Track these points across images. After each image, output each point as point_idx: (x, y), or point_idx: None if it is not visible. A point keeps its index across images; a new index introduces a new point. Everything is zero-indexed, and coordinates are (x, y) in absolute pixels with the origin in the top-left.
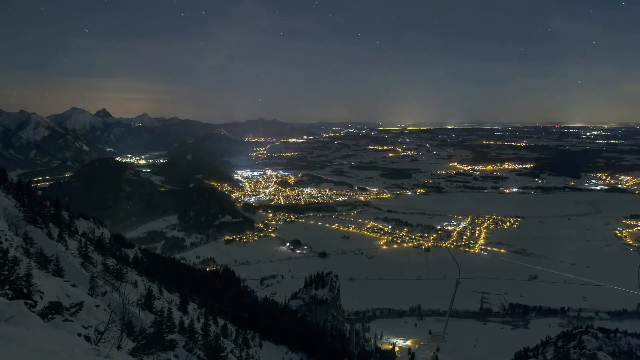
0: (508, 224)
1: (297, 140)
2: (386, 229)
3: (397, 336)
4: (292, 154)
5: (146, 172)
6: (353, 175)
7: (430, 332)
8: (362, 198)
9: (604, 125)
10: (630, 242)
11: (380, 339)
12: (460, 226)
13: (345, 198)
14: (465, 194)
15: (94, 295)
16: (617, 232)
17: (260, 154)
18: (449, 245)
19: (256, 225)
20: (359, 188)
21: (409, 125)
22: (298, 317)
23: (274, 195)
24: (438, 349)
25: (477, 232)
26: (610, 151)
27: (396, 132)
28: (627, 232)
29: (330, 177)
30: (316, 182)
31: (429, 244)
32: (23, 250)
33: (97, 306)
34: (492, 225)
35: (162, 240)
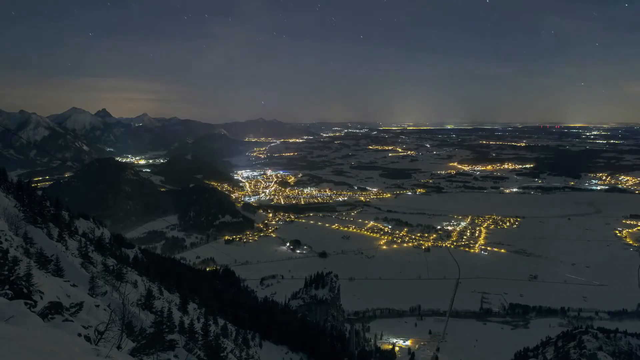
0: (508, 224)
1: (297, 140)
2: (386, 229)
3: (397, 336)
4: (292, 154)
5: (146, 172)
6: (353, 175)
7: (430, 332)
8: (362, 198)
9: (604, 125)
10: (630, 242)
11: (380, 339)
12: (460, 226)
13: (345, 198)
14: (465, 194)
15: (94, 295)
16: (617, 232)
17: (260, 154)
18: (449, 245)
19: (256, 225)
20: (359, 188)
21: (409, 125)
22: (298, 317)
23: (274, 195)
24: (438, 349)
25: (477, 232)
26: (610, 151)
27: (396, 132)
28: (627, 232)
29: (330, 177)
30: (316, 182)
31: (429, 244)
32: (23, 250)
33: (97, 306)
34: (492, 225)
35: (162, 240)
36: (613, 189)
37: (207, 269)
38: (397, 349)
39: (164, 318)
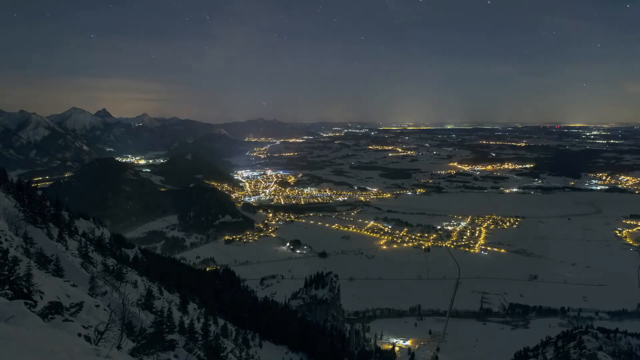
0: (508, 224)
1: (297, 140)
2: (386, 229)
3: (397, 336)
4: (292, 154)
5: (146, 172)
6: (353, 175)
7: (430, 332)
8: (362, 198)
9: (604, 125)
10: (630, 242)
11: (380, 339)
12: (460, 226)
13: (345, 198)
14: (465, 194)
15: (94, 295)
16: (617, 232)
17: (260, 154)
18: (449, 245)
19: (256, 225)
20: (359, 188)
21: (409, 125)
22: (298, 317)
23: (274, 195)
24: (438, 349)
25: (477, 232)
26: (610, 151)
27: (396, 132)
28: (627, 232)
29: (330, 177)
30: (316, 182)
31: (429, 244)
32: (23, 250)
33: (97, 306)
34: (492, 225)
35: (162, 240)
36: (613, 189)
37: (207, 269)
38: (397, 349)
39: (164, 318)
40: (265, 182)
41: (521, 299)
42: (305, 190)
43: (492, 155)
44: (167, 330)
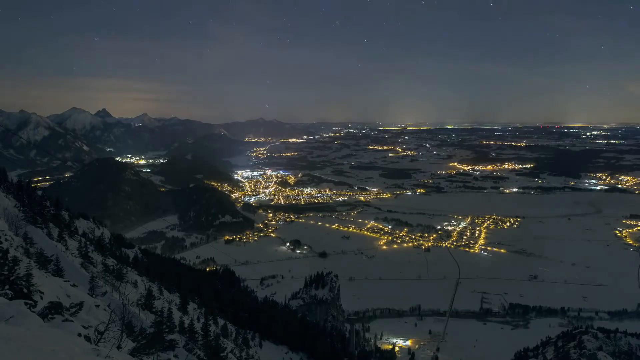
0: (508, 224)
1: (297, 140)
2: (386, 229)
3: (397, 336)
4: (292, 154)
5: (146, 172)
6: (353, 175)
7: (430, 332)
8: (362, 198)
9: (604, 125)
10: (630, 242)
11: (380, 339)
12: (460, 226)
13: (345, 198)
14: (465, 194)
15: (94, 295)
16: (617, 232)
17: (260, 154)
18: (449, 245)
19: (256, 225)
20: (359, 188)
21: (409, 125)
22: (298, 317)
23: (274, 195)
24: (438, 349)
25: (477, 232)
26: (610, 151)
27: (396, 132)
28: (627, 232)
29: (330, 177)
30: (316, 182)
31: (429, 244)
32: (23, 250)
33: (97, 306)
34: (492, 225)
35: (162, 240)
36: (613, 189)
37: (207, 269)
38: (397, 349)
39: (164, 318)
40: (265, 182)
41: (521, 299)
42: (305, 190)
43: (492, 155)
44: (167, 330)
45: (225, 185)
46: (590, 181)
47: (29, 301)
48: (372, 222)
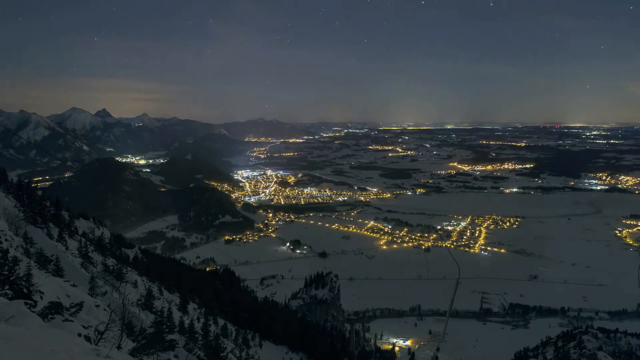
0: (508, 224)
1: (297, 140)
2: (386, 229)
3: (397, 336)
4: (292, 154)
5: (146, 172)
6: (353, 175)
7: (430, 332)
8: (362, 198)
9: (604, 125)
10: (630, 242)
11: (380, 339)
12: (460, 226)
13: (345, 198)
14: (465, 194)
15: (94, 295)
16: (617, 232)
17: (260, 154)
18: (449, 245)
19: (256, 225)
20: (359, 188)
21: (409, 125)
22: (298, 317)
23: (274, 195)
24: (438, 349)
25: (477, 232)
26: (610, 151)
27: (396, 132)
28: (627, 232)
29: (330, 177)
30: (316, 182)
31: (429, 244)
32: (23, 250)
33: (97, 306)
34: (492, 225)
35: (162, 240)
36: (613, 189)
37: (207, 269)
38: (397, 349)
39: (164, 318)
40: (265, 182)
41: (521, 299)
42: (305, 190)
43: (492, 155)
44: (167, 330)
45: (225, 185)
46: (590, 181)
47: (29, 301)
48: (372, 222)
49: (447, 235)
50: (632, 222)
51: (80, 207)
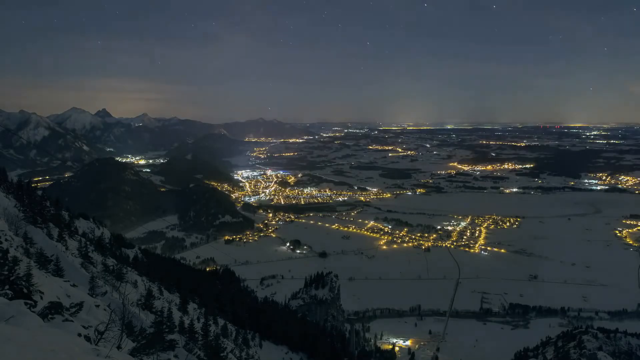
0: (508, 224)
1: (297, 140)
2: (386, 229)
3: (397, 336)
4: (292, 154)
5: (146, 172)
6: (353, 175)
7: (430, 332)
8: (362, 198)
9: (604, 125)
10: (630, 242)
11: (380, 339)
12: (460, 226)
13: (345, 198)
14: (465, 194)
15: (94, 295)
16: (617, 232)
17: (260, 154)
18: (449, 245)
19: (256, 225)
20: (359, 188)
21: (409, 125)
22: (298, 317)
23: (274, 195)
24: (438, 349)
25: (477, 232)
26: (610, 151)
27: (396, 132)
28: (627, 232)
29: (330, 177)
30: (316, 182)
31: (429, 244)
32: (23, 250)
33: (97, 306)
34: (492, 225)
35: (162, 240)
36: (613, 189)
37: (207, 269)
38: (397, 349)
39: (164, 318)
40: (265, 182)
41: (521, 299)
42: (305, 190)
43: (492, 155)
44: (167, 330)
45: (225, 185)
46: (590, 181)
47: (29, 301)
48: (372, 222)
49: (447, 235)
50: (632, 222)
51: (80, 207)
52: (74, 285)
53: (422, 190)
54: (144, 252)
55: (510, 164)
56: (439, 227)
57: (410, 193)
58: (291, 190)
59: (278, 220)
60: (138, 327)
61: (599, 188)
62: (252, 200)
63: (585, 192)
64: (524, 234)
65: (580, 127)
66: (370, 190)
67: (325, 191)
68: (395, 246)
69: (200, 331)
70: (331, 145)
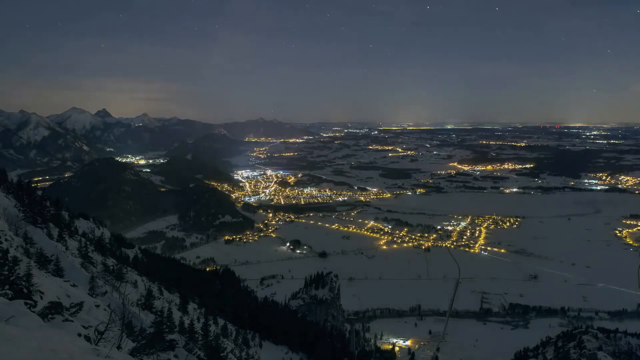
0: (508, 224)
1: (297, 140)
2: (386, 229)
3: (397, 336)
4: (292, 154)
5: (146, 172)
6: (353, 175)
7: (430, 332)
8: (362, 198)
9: (604, 125)
10: (630, 242)
11: (380, 339)
12: (460, 226)
13: (345, 198)
14: (465, 194)
15: (94, 295)
16: (617, 232)
17: (260, 154)
18: (449, 245)
19: (256, 225)
20: (359, 188)
21: (409, 125)
22: (298, 317)
23: (274, 195)
24: (438, 349)
25: (477, 232)
26: (610, 151)
27: (396, 132)
28: (627, 232)
29: (330, 177)
30: (316, 182)
31: (429, 244)
32: (23, 250)
33: (97, 306)
34: (492, 225)
35: (162, 240)
36: (613, 189)
37: (207, 269)
38: (397, 349)
39: (164, 318)
40: (265, 182)
41: (521, 299)
42: (305, 190)
43: (492, 155)
44: (167, 330)
45: (225, 185)
46: (590, 181)
47: (29, 301)
48: (372, 222)
49: (447, 235)
50: (632, 222)
51: (80, 207)
52: (74, 285)
53: (422, 190)
54: (144, 252)
55: (510, 164)
56: (439, 227)
57: (410, 193)
58: (291, 190)
59: (278, 220)
60: (138, 327)
61: (599, 188)
62: (252, 200)
63: (585, 192)
64: (524, 234)
65: (580, 127)
66: (370, 190)
67: (325, 191)
68: (395, 246)
69: (200, 331)
70: (331, 145)
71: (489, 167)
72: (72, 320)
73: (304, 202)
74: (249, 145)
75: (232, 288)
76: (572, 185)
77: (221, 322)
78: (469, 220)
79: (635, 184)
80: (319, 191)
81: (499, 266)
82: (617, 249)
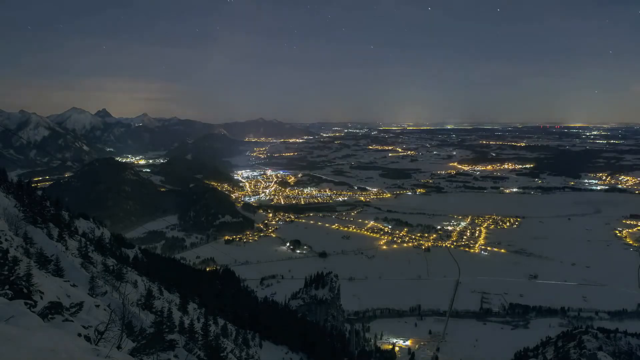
0: (508, 224)
1: (297, 140)
2: (386, 229)
3: (397, 336)
4: (292, 154)
5: (146, 172)
6: (353, 175)
7: (430, 332)
8: (362, 198)
9: (604, 125)
10: (630, 242)
11: (380, 339)
12: (460, 226)
13: (345, 198)
14: (465, 194)
15: (94, 295)
16: (617, 232)
17: (260, 154)
18: (449, 245)
19: (256, 225)
20: (359, 188)
21: (409, 125)
22: (298, 317)
23: (274, 195)
24: (438, 349)
25: (477, 232)
26: (610, 151)
27: (396, 132)
28: (627, 232)
29: (330, 177)
30: (316, 182)
31: (429, 244)
32: (23, 250)
33: (97, 306)
34: (492, 225)
35: (162, 240)
36: (613, 189)
37: (207, 269)
38: (397, 349)
39: (164, 318)
40: (265, 182)
41: (521, 299)
42: (305, 190)
43: (492, 155)
44: (167, 330)
45: (225, 185)
46: (590, 181)
47: (29, 301)
48: (372, 222)
49: (447, 235)
50: (632, 222)
51: (80, 207)
52: (74, 285)
53: (422, 190)
54: (144, 252)
55: (510, 164)
56: (439, 227)
57: (410, 193)
58: (291, 190)
59: (278, 220)
60: (138, 327)
61: (599, 188)
62: (252, 200)
63: (585, 192)
64: (524, 234)
65: (580, 127)
66: (370, 190)
67: (325, 191)
68: (395, 246)
69: (200, 331)
70: (331, 145)
71: (489, 167)
72: (72, 320)
73: (304, 202)
74: (249, 145)
75: (232, 288)
76: (572, 185)
77: (221, 322)
78: (469, 220)
79: (635, 184)
80: (319, 191)
81: (499, 266)
82: (617, 249)
